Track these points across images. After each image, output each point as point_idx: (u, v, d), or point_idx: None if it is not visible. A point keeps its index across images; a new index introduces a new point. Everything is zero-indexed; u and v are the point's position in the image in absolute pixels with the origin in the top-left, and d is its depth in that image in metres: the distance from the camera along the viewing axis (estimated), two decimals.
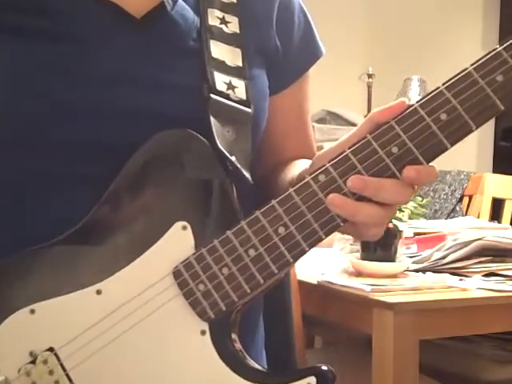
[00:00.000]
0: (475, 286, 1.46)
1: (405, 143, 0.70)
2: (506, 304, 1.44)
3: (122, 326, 0.75)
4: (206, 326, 0.75)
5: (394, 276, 1.50)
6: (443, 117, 0.69)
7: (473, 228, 1.86)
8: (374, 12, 4.24)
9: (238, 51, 0.87)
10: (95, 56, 0.80)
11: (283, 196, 0.73)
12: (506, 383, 1.81)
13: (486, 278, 1.52)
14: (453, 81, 0.69)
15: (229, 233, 0.74)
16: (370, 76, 3.62)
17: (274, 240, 0.73)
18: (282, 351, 1.02)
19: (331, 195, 0.71)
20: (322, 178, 0.72)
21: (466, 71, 0.69)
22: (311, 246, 0.73)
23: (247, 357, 0.76)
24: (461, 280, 1.49)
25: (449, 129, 0.69)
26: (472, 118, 0.69)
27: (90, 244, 0.77)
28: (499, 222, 2.53)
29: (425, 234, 1.83)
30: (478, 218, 2.52)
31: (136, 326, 0.75)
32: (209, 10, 0.87)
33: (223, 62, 0.85)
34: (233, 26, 0.88)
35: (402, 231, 1.52)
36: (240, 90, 0.85)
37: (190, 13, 0.85)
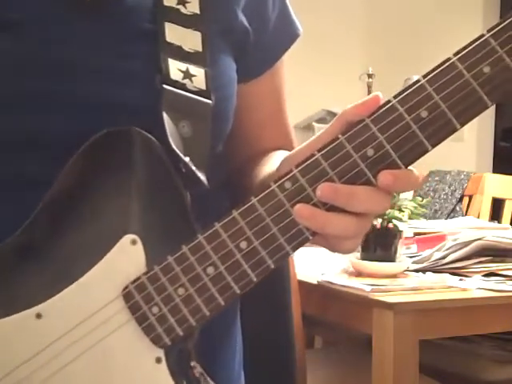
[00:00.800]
0: (475, 286, 1.46)
1: (382, 145, 0.62)
2: (506, 304, 1.44)
3: (67, 355, 0.67)
4: (161, 353, 0.67)
5: (394, 276, 1.50)
6: (424, 114, 0.62)
7: (473, 228, 1.86)
8: (374, 12, 4.24)
9: (198, 35, 0.77)
10: (38, 43, 0.72)
11: (246, 206, 0.65)
12: (506, 383, 1.81)
13: (485, 278, 1.52)
14: (435, 73, 0.62)
15: (185, 248, 0.65)
16: (370, 76, 3.62)
17: (235, 257, 0.65)
18: (282, 351, 1.02)
19: (298, 206, 0.63)
20: (288, 185, 0.64)
21: (449, 62, 0.61)
22: (277, 262, 0.65)
23: (209, 381, 0.70)
24: (461, 280, 1.49)
25: (430, 128, 0.62)
26: (456, 116, 0.61)
27: (26, 260, 0.68)
28: (499, 222, 2.53)
29: (425, 233, 1.83)
30: (478, 218, 2.52)
31: (83, 355, 0.67)
32: None
33: (179, 47, 0.76)
34: (192, 6, 0.78)
35: (401, 231, 1.52)
36: (199, 78, 0.76)
37: None
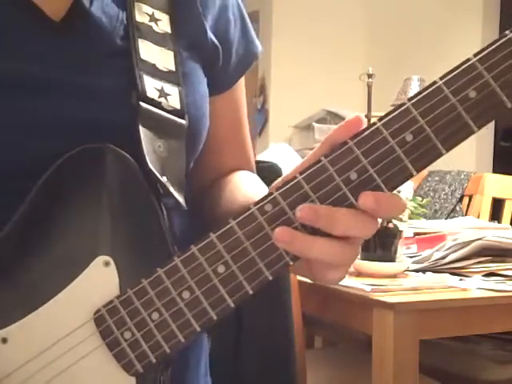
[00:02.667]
0: (475, 286, 1.45)
1: (365, 169, 0.61)
2: (506, 304, 1.44)
3: (35, 381, 0.64)
4: (133, 381, 0.65)
5: (394, 276, 1.50)
6: (409, 138, 0.60)
7: (473, 228, 1.86)
8: (374, 12, 4.25)
9: (171, 54, 0.77)
10: (10, 64, 0.70)
11: (224, 229, 0.62)
12: (506, 383, 1.81)
13: (486, 278, 1.52)
14: (421, 96, 0.60)
15: (160, 271, 0.63)
16: (370, 76, 3.62)
17: (212, 281, 0.63)
18: (281, 351, 1.02)
19: (278, 229, 0.61)
20: (268, 208, 0.62)
21: (435, 85, 0.60)
22: (256, 288, 0.63)
23: None
24: (461, 280, 1.49)
25: (415, 153, 0.60)
26: (441, 141, 0.60)
27: None
28: (499, 222, 2.53)
29: (425, 234, 1.83)
30: (478, 218, 2.52)
31: (51, 381, 0.64)
32: (136, 3, 0.77)
33: (154, 65, 0.75)
34: (163, 24, 0.78)
35: (401, 231, 1.52)
36: (173, 97, 0.75)
37: (113, 8, 0.76)
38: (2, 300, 0.66)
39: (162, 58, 0.76)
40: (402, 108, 0.60)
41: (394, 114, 0.61)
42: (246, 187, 0.83)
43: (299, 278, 1.53)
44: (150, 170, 0.68)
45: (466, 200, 2.77)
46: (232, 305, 0.63)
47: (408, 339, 1.35)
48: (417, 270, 1.58)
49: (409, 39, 4.20)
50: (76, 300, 0.65)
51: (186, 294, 0.63)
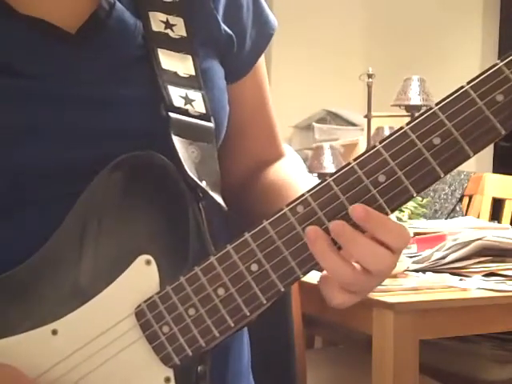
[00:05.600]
0: (475, 286, 1.45)
1: (393, 171, 0.62)
2: (506, 304, 1.44)
3: (79, 370, 0.68)
4: (170, 373, 0.68)
5: (394, 276, 1.50)
6: (436, 141, 0.61)
7: (473, 228, 1.86)
8: (374, 12, 4.24)
9: (189, 58, 0.78)
10: (35, 80, 0.72)
11: (257, 229, 0.65)
12: (506, 383, 1.81)
13: (486, 278, 1.52)
14: (447, 101, 0.61)
15: (197, 269, 0.66)
16: (370, 76, 3.62)
17: (246, 279, 0.65)
18: (281, 351, 1.02)
19: (309, 227, 0.63)
20: (300, 209, 0.64)
21: (462, 90, 0.61)
22: (288, 286, 0.65)
23: None
24: (461, 280, 1.49)
25: (443, 155, 0.62)
26: (469, 144, 0.61)
27: (44, 278, 0.70)
28: (499, 222, 2.54)
29: (425, 233, 1.83)
30: (478, 218, 2.52)
31: (95, 371, 0.68)
32: (150, 13, 0.78)
33: (175, 73, 0.76)
34: (179, 29, 0.79)
35: None
36: (198, 102, 0.76)
37: (130, 18, 0.76)
38: (54, 295, 0.69)
39: (181, 64, 0.77)
40: (429, 112, 0.61)
41: (421, 118, 0.62)
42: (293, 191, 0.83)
43: None
44: (190, 176, 0.71)
45: (466, 200, 2.77)
46: (265, 302, 0.65)
47: (408, 339, 1.35)
48: (417, 270, 1.58)
49: (409, 39, 4.19)
50: (119, 295, 0.69)
51: (220, 291, 0.65)
